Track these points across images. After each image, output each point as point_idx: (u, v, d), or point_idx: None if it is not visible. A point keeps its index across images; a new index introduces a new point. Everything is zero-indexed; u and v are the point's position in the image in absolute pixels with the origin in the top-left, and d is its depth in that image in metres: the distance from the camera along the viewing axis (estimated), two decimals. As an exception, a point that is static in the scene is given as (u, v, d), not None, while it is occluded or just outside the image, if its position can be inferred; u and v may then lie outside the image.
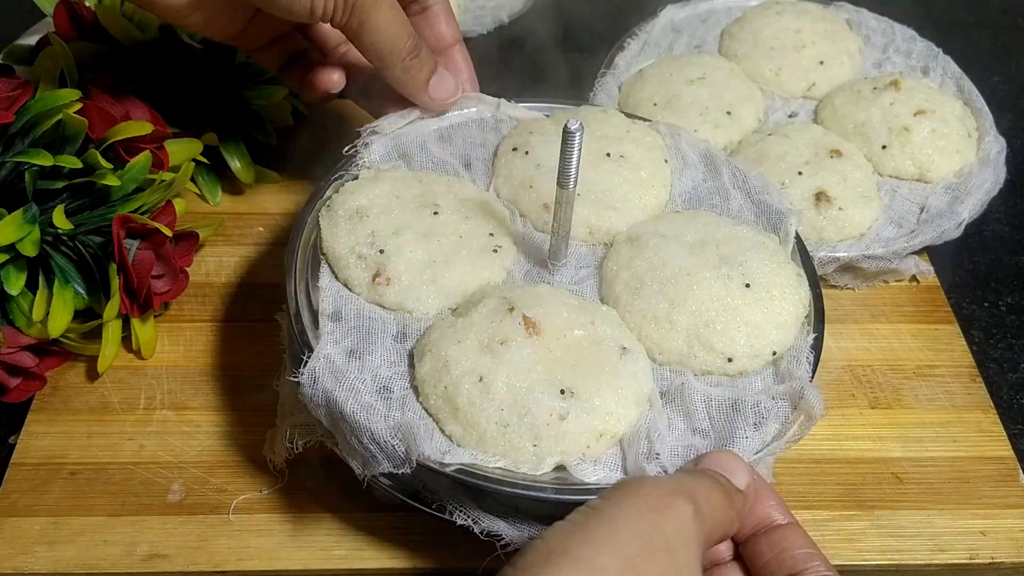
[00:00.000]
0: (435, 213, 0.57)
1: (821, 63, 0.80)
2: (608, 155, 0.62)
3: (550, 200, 0.54)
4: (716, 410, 0.51)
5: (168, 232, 0.60)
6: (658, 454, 0.48)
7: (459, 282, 0.55)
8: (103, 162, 0.59)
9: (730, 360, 0.53)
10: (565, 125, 0.50)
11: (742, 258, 0.56)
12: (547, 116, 0.66)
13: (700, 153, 0.65)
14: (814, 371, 0.53)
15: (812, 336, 0.54)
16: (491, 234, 0.58)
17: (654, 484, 0.41)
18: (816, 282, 0.57)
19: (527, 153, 0.62)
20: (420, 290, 0.54)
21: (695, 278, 0.55)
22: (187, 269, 0.64)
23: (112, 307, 0.60)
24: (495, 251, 0.57)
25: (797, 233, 0.60)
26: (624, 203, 0.61)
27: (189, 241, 0.64)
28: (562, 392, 0.49)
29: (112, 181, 0.59)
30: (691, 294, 0.55)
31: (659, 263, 0.56)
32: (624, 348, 0.52)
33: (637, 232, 0.59)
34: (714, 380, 0.54)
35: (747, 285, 0.55)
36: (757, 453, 0.49)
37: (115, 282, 0.59)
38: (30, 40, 0.68)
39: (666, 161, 0.64)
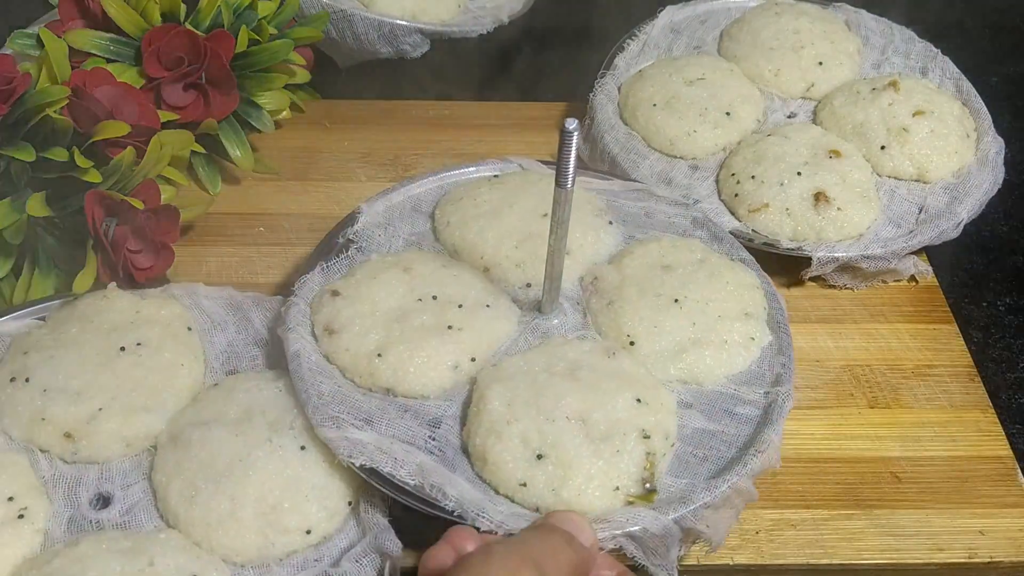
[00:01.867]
0: None
1: (820, 64, 0.80)
2: (123, 349, 0.56)
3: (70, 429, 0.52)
4: None
5: (139, 204, 0.60)
6: None
7: None
8: (81, 160, 0.59)
9: (308, 532, 0.50)
10: (563, 125, 0.50)
11: (290, 417, 0.53)
12: (42, 321, 0.59)
13: (225, 303, 0.61)
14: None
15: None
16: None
17: (502, 557, 0.41)
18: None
19: (27, 380, 0.54)
20: None
21: (248, 462, 0.51)
22: (171, 245, 0.63)
23: (84, 279, 0.59)
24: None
25: None
26: (155, 398, 0.55)
27: (169, 216, 0.63)
28: None
29: (93, 178, 0.60)
30: (249, 481, 0.50)
31: (208, 458, 0.51)
32: None
33: (178, 428, 0.54)
34: (299, 559, 0.50)
35: (303, 448, 0.52)
36: None
37: (91, 257, 0.60)
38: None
39: (189, 329, 0.59)
